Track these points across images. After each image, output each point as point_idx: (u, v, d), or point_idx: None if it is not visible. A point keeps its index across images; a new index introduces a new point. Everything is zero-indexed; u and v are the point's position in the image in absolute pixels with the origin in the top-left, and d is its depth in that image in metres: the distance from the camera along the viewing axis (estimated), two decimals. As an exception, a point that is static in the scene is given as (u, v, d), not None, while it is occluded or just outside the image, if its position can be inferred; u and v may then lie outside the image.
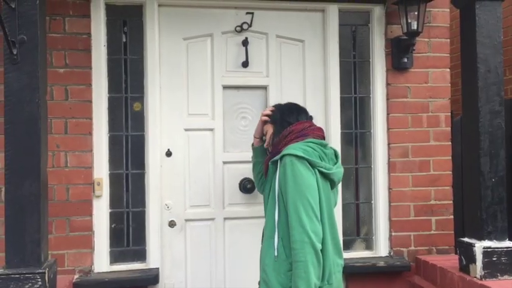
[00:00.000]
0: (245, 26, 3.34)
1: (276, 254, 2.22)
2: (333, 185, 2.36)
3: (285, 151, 2.26)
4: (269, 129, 2.53)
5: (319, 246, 2.16)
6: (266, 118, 2.56)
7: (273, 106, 2.64)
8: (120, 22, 3.25)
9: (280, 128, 2.46)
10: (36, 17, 2.39)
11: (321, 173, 2.27)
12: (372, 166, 3.48)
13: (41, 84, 2.41)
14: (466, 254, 2.86)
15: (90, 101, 3.10)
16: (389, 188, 3.43)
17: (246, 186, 3.30)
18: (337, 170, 2.38)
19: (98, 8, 3.14)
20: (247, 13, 3.34)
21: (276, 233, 2.24)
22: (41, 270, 2.31)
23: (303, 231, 2.13)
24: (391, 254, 3.41)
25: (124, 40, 3.27)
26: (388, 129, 3.44)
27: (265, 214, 2.39)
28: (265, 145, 2.61)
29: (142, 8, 3.23)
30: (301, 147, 2.28)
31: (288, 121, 2.45)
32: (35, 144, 2.38)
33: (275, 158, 2.30)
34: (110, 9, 3.21)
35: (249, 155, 3.29)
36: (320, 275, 2.18)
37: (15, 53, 2.34)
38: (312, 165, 2.24)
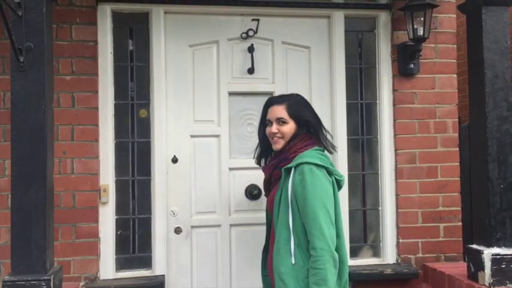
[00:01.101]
0: (251, 33, 3.35)
1: (293, 261, 2.19)
2: (339, 191, 2.36)
3: (303, 159, 2.23)
4: (289, 122, 2.36)
5: (336, 253, 2.15)
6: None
7: (291, 98, 2.46)
8: (127, 29, 3.27)
9: (302, 129, 2.38)
10: (42, 24, 2.40)
11: (336, 180, 2.29)
12: (379, 172, 3.46)
13: (47, 92, 2.42)
14: (475, 261, 2.83)
15: (97, 108, 3.11)
16: (397, 195, 3.41)
17: (252, 193, 3.29)
18: (344, 177, 2.39)
19: (105, 16, 3.16)
20: (253, 20, 3.35)
21: (292, 240, 2.21)
22: (46, 277, 2.30)
23: (323, 239, 2.12)
24: (399, 261, 3.38)
25: (130, 47, 3.29)
26: (395, 135, 3.42)
27: (275, 222, 2.31)
28: (268, 131, 2.42)
29: (148, 16, 3.24)
30: (316, 156, 2.28)
31: (310, 127, 2.40)
32: (41, 151, 2.38)
33: (289, 165, 2.27)
34: (117, 16, 3.23)
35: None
36: (336, 282, 2.16)
37: (21, 60, 2.35)
38: (329, 173, 2.25)
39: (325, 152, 2.43)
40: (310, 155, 2.28)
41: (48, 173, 2.41)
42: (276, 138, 2.40)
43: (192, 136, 3.29)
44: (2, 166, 2.99)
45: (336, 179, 2.30)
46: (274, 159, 2.46)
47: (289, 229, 2.22)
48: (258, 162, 2.61)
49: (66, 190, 3.04)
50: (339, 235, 2.24)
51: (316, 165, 2.21)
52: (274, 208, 2.32)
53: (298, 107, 2.41)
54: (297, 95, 2.51)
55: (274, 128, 2.39)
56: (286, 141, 2.38)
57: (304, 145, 2.35)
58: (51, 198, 2.50)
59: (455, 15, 3.51)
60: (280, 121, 2.38)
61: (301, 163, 2.22)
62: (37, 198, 2.36)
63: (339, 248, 2.21)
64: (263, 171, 2.55)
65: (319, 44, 3.44)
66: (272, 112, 2.42)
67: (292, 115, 2.38)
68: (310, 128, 2.41)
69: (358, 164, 3.50)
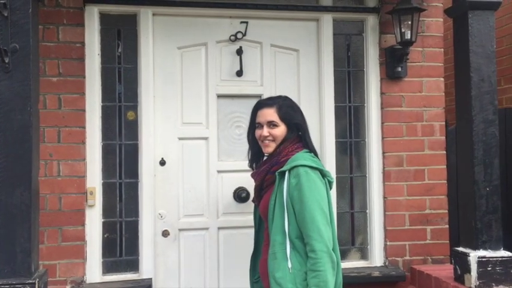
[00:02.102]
0: (239, 35, 3.35)
1: (289, 265, 2.17)
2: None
3: (297, 162, 2.22)
4: (280, 125, 2.35)
5: (334, 255, 2.15)
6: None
7: (280, 101, 2.42)
8: (115, 31, 3.25)
9: (293, 132, 2.36)
10: (28, 25, 2.38)
11: (328, 181, 2.28)
12: (367, 175, 3.48)
13: (33, 93, 2.40)
14: (461, 264, 2.85)
15: (84, 110, 3.09)
16: (384, 197, 3.42)
17: (240, 196, 3.28)
18: (333, 178, 2.38)
19: (92, 17, 3.14)
20: (241, 22, 3.35)
21: (288, 243, 2.20)
22: (31, 281, 2.27)
23: (322, 241, 2.11)
24: (386, 263, 3.39)
25: (118, 49, 3.26)
26: (383, 138, 3.44)
27: (270, 226, 2.28)
28: (258, 134, 2.40)
29: (136, 17, 3.23)
30: (309, 158, 2.27)
31: (299, 130, 2.38)
32: (27, 152, 2.36)
33: (283, 169, 2.25)
34: (104, 18, 3.21)
35: (243, 164, 3.29)
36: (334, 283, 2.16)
37: (7, 61, 2.33)
38: (323, 175, 2.25)
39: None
40: (303, 157, 2.27)
41: (33, 175, 2.39)
42: (267, 142, 2.38)
43: (180, 138, 3.28)
44: (-13, 168, 2.95)
45: (329, 181, 2.29)
46: (264, 164, 2.43)
47: (284, 233, 2.20)
48: (251, 166, 2.58)
49: (52, 193, 3.01)
50: (332, 237, 2.23)
51: (311, 167, 2.20)
52: (269, 213, 2.28)
53: (288, 110, 2.39)
54: (286, 98, 2.49)
55: (265, 131, 2.37)
56: (277, 145, 2.37)
57: (295, 148, 2.34)
58: (37, 201, 2.48)
59: (442, 19, 3.55)
60: (272, 124, 2.36)
61: (296, 166, 2.20)
62: (22, 200, 2.33)
63: (333, 250, 2.19)
64: (253, 177, 2.50)
65: (307, 47, 3.45)
66: (262, 115, 2.39)
67: (282, 118, 2.36)
68: (299, 131, 2.41)
69: (346, 166, 3.51)
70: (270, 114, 2.37)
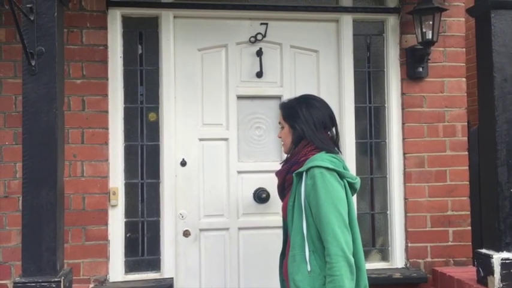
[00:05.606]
0: (259, 37, 3.37)
1: (309, 268, 2.15)
2: (353, 194, 2.33)
3: (313, 163, 2.19)
4: (285, 126, 2.36)
5: (352, 259, 2.11)
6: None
7: (289, 102, 2.40)
8: (136, 34, 3.30)
9: (301, 135, 2.32)
10: (54, 29, 2.43)
11: (348, 183, 2.25)
12: (388, 176, 3.46)
13: (58, 95, 2.44)
14: (484, 266, 2.81)
15: (107, 111, 3.14)
16: (405, 198, 3.40)
17: (260, 196, 3.30)
18: (358, 180, 2.35)
19: (115, 20, 3.20)
20: (261, 24, 3.37)
21: (307, 246, 2.17)
22: (56, 279, 2.32)
23: (337, 245, 2.07)
24: (408, 265, 3.37)
25: (140, 51, 3.31)
26: (404, 139, 3.41)
27: (289, 228, 2.27)
28: (278, 136, 2.46)
29: (157, 20, 3.28)
30: (328, 159, 2.22)
31: (313, 137, 2.29)
32: (52, 153, 2.40)
33: (300, 170, 2.22)
34: (126, 21, 3.26)
35: (263, 164, 3.33)
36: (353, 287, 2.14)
37: (33, 64, 2.38)
38: (341, 176, 2.20)
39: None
40: (321, 158, 2.24)
41: (59, 175, 2.43)
42: (282, 142, 2.44)
43: (200, 139, 3.31)
44: (13, 169, 3.03)
45: (348, 182, 2.24)
46: (286, 163, 2.42)
47: (303, 236, 2.18)
48: None
49: (76, 193, 3.07)
50: (354, 240, 2.19)
51: (327, 168, 2.17)
52: (288, 214, 2.27)
53: (290, 111, 2.37)
54: (298, 98, 2.42)
55: (278, 132, 2.45)
56: (287, 145, 2.37)
57: (314, 147, 2.32)
58: (62, 201, 2.52)
59: (464, 19, 3.51)
60: (280, 125, 2.42)
61: (312, 167, 2.19)
62: (48, 200, 2.38)
63: (354, 253, 2.15)
64: (276, 175, 2.52)
65: (327, 48, 3.45)
66: None
67: (285, 119, 2.38)
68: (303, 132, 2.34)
69: (366, 167, 3.49)
70: (279, 115, 2.43)
